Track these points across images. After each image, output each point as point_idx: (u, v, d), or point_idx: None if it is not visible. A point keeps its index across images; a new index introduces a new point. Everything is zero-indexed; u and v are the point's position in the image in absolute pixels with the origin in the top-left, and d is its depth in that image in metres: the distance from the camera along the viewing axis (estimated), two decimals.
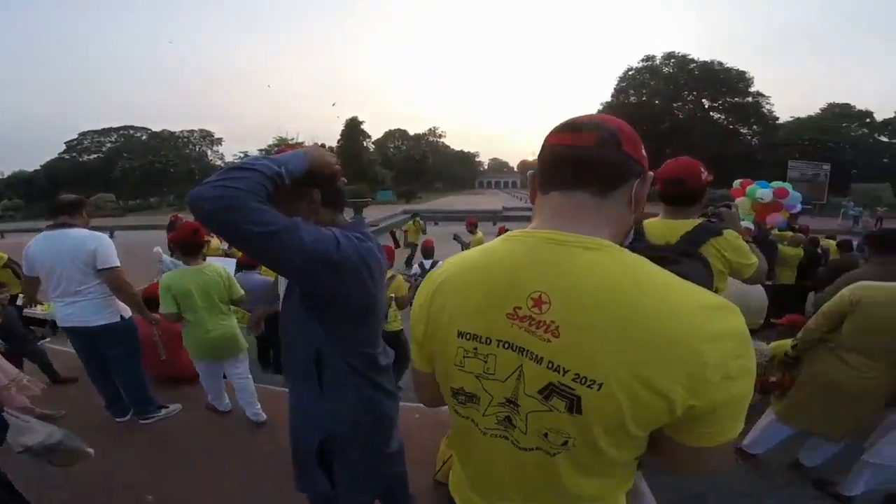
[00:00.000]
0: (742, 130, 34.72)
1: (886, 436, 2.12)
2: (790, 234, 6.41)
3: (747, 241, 1.79)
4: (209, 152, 51.50)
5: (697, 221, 1.74)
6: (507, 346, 0.64)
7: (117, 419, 2.81)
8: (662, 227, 1.79)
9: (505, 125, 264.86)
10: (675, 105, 35.06)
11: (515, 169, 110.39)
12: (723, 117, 34.71)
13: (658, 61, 36.12)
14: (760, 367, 2.48)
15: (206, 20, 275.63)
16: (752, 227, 6.86)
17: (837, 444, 2.33)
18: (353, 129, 39.56)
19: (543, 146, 0.69)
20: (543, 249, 0.63)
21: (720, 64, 34.14)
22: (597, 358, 0.57)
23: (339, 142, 40.23)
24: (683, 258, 1.61)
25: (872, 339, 2.14)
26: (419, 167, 50.27)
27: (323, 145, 1.30)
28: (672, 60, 35.50)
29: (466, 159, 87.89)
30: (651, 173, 0.69)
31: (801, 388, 2.29)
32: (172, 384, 3.28)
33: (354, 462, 1.23)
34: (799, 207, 8.17)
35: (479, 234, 7.10)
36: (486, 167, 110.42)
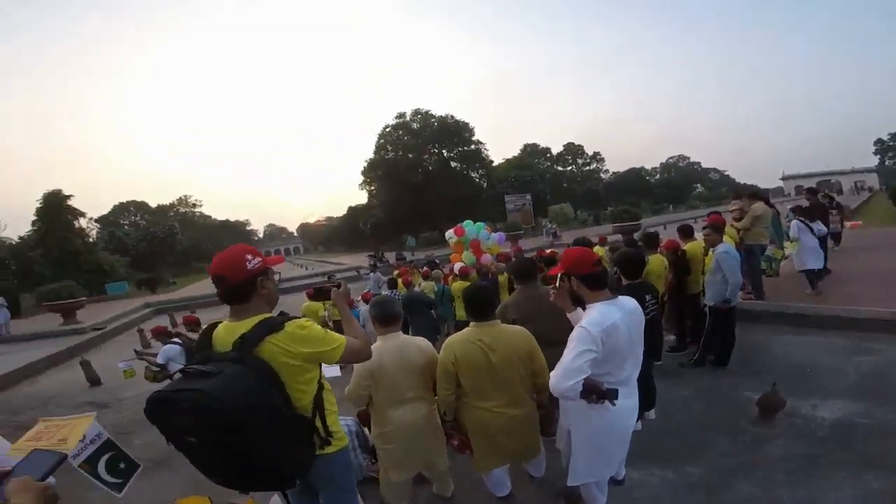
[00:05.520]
0: (471, 174, 42.46)
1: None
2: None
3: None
4: None
5: (259, 318, 1.49)
6: None
7: None
8: (225, 331, 1.57)
9: (278, 187, 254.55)
10: (423, 158, 39.93)
11: (295, 233, 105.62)
12: (458, 165, 41.60)
13: (408, 117, 40.48)
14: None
15: None
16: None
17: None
18: (53, 207, 27.08)
19: None
20: None
21: (452, 117, 40.63)
22: None
23: (33, 227, 28.44)
24: (228, 366, 1.38)
25: (478, 383, 2.26)
26: (165, 246, 42.01)
27: None
28: (418, 116, 40.34)
29: (234, 229, 78.82)
30: None
31: (474, 440, 2.40)
32: None
33: None
34: (494, 237, 10.08)
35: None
36: (261, 236, 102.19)
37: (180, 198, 68.33)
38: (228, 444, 1.32)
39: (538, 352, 2.29)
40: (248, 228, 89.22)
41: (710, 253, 4.05)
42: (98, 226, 43.17)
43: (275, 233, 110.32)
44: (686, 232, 4.69)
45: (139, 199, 62.10)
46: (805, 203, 7.41)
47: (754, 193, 5.82)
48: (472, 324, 2.33)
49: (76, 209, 29.50)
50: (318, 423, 1.61)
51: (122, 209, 59.28)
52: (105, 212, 55.23)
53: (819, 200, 7.12)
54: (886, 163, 55.56)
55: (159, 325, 5.24)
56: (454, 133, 40.29)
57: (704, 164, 78.42)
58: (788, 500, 2.34)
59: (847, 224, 9.82)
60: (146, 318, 14.78)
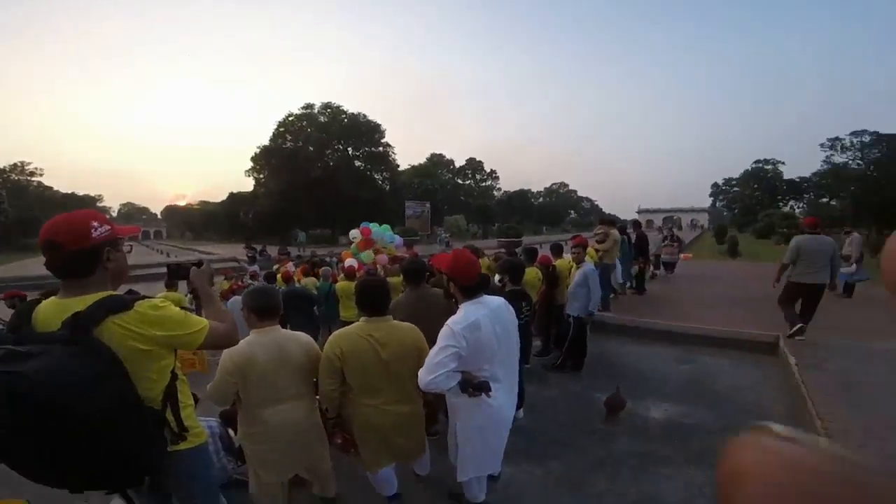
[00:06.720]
0: (375, 176, 41.86)
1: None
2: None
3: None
4: None
5: (100, 296, 1.26)
6: None
7: None
8: (52, 308, 1.32)
9: (146, 164, 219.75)
10: (326, 152, 38.17)
11: (159, 216, 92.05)
12: (362, 165, 40.60)
13: (316, 110, 38.50)
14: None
15: None
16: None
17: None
18: None
19: None
20: None
21: (364, 116, 39.54)
22: None
23: None
24: (55, 346, 1.18)
25: (367, 379, 2.20)
26: None
27: None
28: (328, 110, 38.47)
29: (81, 204, 65.21)
30: None
31: (362, 439, 2.34)
32: None
33: None
34: (394, 241, 10.17)
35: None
36: (115, 214, 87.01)
37: (14, 164, 54.11)
38: (55, 436, 1.12)
39: (426, 349, 2.33)
40: (100, 205, 74.51)
41: (574, 269, 4.61)
42: None
43: (133, 213, 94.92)
44: (557, 250, 5.32)
45: None
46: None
47: (612, 222, 7.13)
48: (363, 318, 2.28)
49: None
50: (170, 417, 1.44)
51: None
52: None
53: (641, 232, 8.83)
54: (717, 205, 67.22)
55: None
56: (364, 133, 39.34)
57: (580, 193, 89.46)
58: (633, 493, 2.68)
59: (680, 256, 11.95)
60: None
